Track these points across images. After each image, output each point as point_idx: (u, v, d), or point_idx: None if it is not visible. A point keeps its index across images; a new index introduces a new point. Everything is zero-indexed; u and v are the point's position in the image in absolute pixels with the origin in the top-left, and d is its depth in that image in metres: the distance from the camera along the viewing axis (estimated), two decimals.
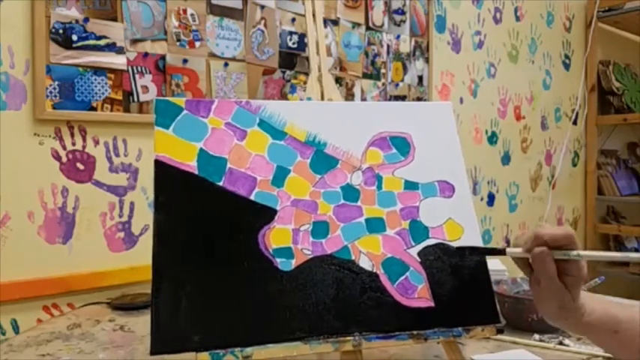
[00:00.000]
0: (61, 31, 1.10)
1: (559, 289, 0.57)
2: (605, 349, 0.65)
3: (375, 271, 0.65)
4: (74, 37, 1.11)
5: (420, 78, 1.81)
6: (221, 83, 1.33)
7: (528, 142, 2.27)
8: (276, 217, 0.64)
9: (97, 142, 1.17)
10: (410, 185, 0.71)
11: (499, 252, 0.64)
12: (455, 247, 0.68)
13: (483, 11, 2.05)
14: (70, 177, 1.14)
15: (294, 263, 0.62)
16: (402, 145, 0.73)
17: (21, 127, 1.07)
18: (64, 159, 1.13)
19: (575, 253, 0.55)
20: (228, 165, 0.65)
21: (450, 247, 0.68)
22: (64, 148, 1.13)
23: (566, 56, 2.46)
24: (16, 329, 1.07)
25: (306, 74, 1.44)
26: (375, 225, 0.67)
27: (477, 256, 0.67)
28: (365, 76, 1.65)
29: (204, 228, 0.62)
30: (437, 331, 0.63)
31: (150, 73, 1.22)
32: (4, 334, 1.06)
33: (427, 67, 1.83)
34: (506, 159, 2.17)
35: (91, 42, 1.14)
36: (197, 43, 1.29)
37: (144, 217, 1.23)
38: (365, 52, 1.65)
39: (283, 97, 1.45)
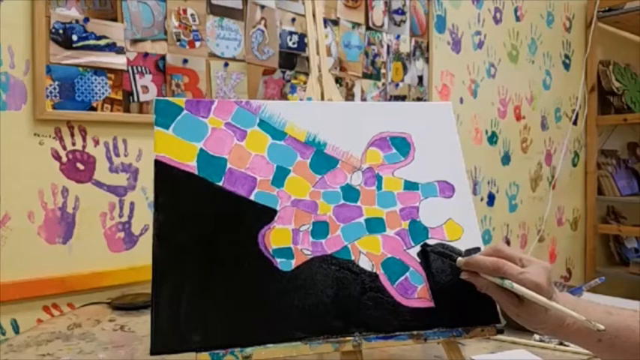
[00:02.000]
0: (61, 31, 1.10)
1: (503, 301, 0.60)
2: (592, 352, 0.65)
3: (375, 271, 0.65)
4: (74, 37, 1.11)
5: (420, 78, 1.81)
6: (221, 83, 1.33)
7: (528, 142, 2.27)
8: (276, 217, 0.64)
9: (97, 142, 1.17)
10: (410, 185, 0.71)
11: (451, 258, 0.66)
12: (427, 245, 0.68)
13: (483, 11, 2.05)
14: (70, 177, 1.14)
15: (294, 263, 0.62)
16: (401, 145, 0.73)
17: (21, 127, 1.07)
18: (64, 159, 1.13)
19: (505, 282, 0.58)
20: (228, 165, 0.65)
21: (450, 247, 0.68)
22: (64, 148, 1.13)
23: (566, 56, 2.46)
24: (16, 329, 1.07)
25: (306, 74, 1.44)
26: (375, 225, 0.67)
27: (438, 255, 0.68)
28: (365, 76, 1.65)
29: (204, 228, 0.62)
30: (437, 332, 0.63)
31: (150, 73, 1.22)
32: (4, 334, 1.06)
33: (427, 67, 1.83)
34: (506, 159, 2.17)
35: (91, 42, 1.14)
36: (197, 43, 1.29)
37: (144, 217, 1.23)
38: (365, 52, 1.65)
39: (283, 97, 1.45)
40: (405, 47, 1.76)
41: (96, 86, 1.15)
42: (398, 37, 1.74)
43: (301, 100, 1.31)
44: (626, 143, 2.80)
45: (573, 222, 2.53)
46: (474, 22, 2.02)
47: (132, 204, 1.22)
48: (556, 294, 0.59)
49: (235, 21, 1.35)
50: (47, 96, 1.09)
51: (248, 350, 0.57)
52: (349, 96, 1.60)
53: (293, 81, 1.46)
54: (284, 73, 1.44)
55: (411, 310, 0.63)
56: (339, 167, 0.69)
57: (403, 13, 1.75)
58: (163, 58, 1.24)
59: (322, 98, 0.83)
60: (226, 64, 1.33)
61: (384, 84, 1.70)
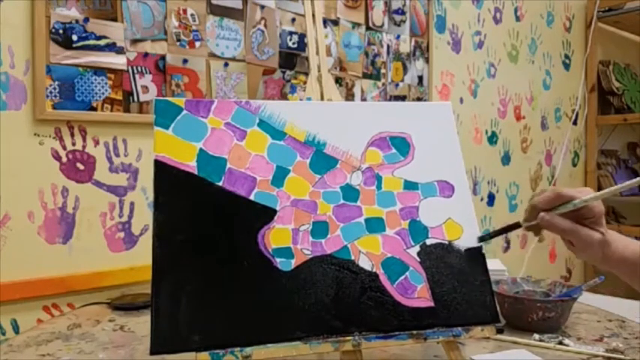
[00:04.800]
0: (61, 31, 1.10)
1: (587, 235, 0.62)
2: (634, 285, 0.68)
3: (374, 270, 0.65)
4: (74, 37, 1.12)
5: (420, 78, 1.81)
6: (221, 83, 1.33)
7: (528, 142, 2.27)
8: (275, 217, 0.64)
9: (97, 142, 1.17)
10: (409, 185, 0.71)
11: (515, 226, 0.68)
12: (478, 239, 0.70)
13: (483, 11, 2.05)
14: (70, 177, 1.14)
15: (293, 263, 0.62)
16: (401, 145, 0.73)
17: (21, 127, 1.07)
18: (64, 159, 1.13)
19: (575, 202, 0.61)
20: (228, 165, 0.65)
21: (449, 246, 0.68)
22: (64, 148, 1.13)
23: (566, 56, 2.46)
24: (16, 329, 1.07)
25: (306, 74, 1.44)
26: (375, 225, 0.67)
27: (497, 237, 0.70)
28: (365, 76, 1.65)
29: (203, 228, 0.62)
30: (436, 331, 0.63)
31: (150, 73, 1.22)
32: (4, 334, 1.06)
33: (427, 67, 1.83)
34: (506, 159, 2.17)
35: (91, 42, 1.14)
36: (197, 43, 1.29)
37: (144, 217, 1.23)
38: (365, 52, 1.65)
39: (283, 97, 1.45)
40: (405, 47, 1.77)
41: (96, 86, 1.15)
42: (398, 37, 1.74)
43: (301, 100, 1.31)
44: (626, 143, 2.80)
45: None
46: (474, 22, 2.02)
47: (132, 204, 1.22)
48: (606, 230, 0.64)
49: (235, 21, 1.35)
50: (47, 96, 1.09)
51: (248, 350, 0.57)
52: (349, 96, 1.60)
53: (293, 81, 1.46)
54: (284, 73, 1.44)
55: (410, 309, 0.64)
56: (338, 167, 0.69)
57: (403, 13, 1.75)
58: (163, 58, 1.24)
59: (322, 98, 0.83)
60: (226, 64, 1.33)
61: (384, 84, 1.70)
